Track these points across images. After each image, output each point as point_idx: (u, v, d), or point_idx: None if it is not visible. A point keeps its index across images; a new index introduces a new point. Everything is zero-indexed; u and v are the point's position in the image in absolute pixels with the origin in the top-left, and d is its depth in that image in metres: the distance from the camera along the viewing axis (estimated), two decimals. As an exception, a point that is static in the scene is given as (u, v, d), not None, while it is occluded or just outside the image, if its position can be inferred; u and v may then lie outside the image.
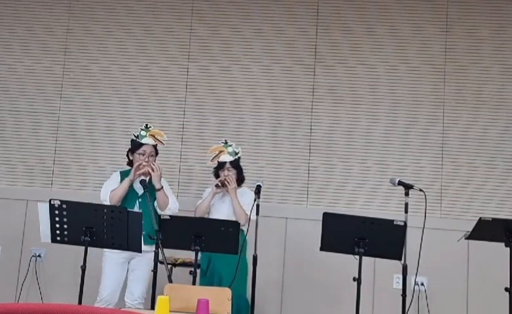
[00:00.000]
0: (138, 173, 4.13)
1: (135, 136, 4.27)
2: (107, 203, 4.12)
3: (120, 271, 4.13)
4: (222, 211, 4.34)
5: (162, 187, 4.17)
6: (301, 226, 5.08)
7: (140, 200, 4.17)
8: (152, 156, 4.23)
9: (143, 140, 4.22)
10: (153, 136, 4.27)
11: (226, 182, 4.33)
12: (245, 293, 4.25)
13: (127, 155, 4.34)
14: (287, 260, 5.11)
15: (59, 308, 1.85)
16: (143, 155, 4.20)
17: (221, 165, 4.41)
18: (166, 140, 4.43)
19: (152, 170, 4.13)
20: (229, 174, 4.36)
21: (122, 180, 4.22)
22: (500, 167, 5.13)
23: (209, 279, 4.21)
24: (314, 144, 5.26)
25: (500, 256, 4.03)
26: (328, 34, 5.35)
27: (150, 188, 4.07)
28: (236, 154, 4.46)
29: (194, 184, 5.25)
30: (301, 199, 5.20)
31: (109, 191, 4.17)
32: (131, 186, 4.19)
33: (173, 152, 5.27)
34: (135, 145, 4.24)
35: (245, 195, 4.41)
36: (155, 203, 4.16)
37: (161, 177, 4.19)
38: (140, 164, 4.14)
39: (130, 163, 4.29)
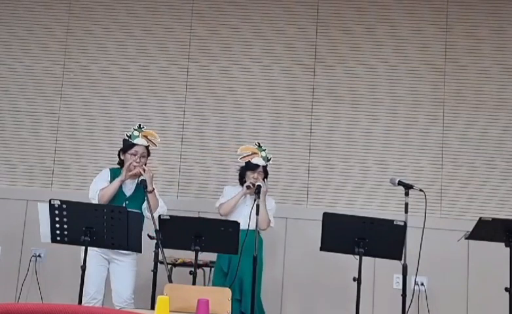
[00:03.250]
0: (130, 174, 4.10)
1: (127, 136, 4.22)
2: (95, 202, 4.06)
3: (102, 268, 4.09)
4: (242, 212, 4.30)
5: (154, 189, 4.14)
6: (301, 226, 5.08)
7: (127, 202, 4.11)
8: (144, 156, 4.17)
9: (135, 141, 4.16)
10: (146, 137, 4.22)
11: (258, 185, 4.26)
12: (260, 293, 4.27)
13: (118, 155, 4.29)
14: (287, 260, 5.11)
15: (59, 308, 1.86)
16: (135, 155, 4.14)
17: (252, 167, 4.38)
18: (160, 143, 4.38)
19: (144, 171, 4.10)
20: (259, 179, 4.34)
21: (112, 177, 4.17)
22: (500, 167, 5.13)
23: (230, 281, 4.13)
24: (314, 144, 5.26)
25: (500, 256, 4.03)
26: (328, 34, 5.35)
27: (142, 189, 4.03)
28: (268, 160, 4.45)
29: (194, 184, 5.25)
30: (301, 199, 5.21)
31: (97, 190, 4.10)
32: (120, 187, 4.17)
33: (173, 152, 5.27)
34: (127, 145, 4.19)
35: (270, 201, 4.44)
36: (143, 206, 4.09)
37: (153, 179, 4.16)
38: (131, 164, 4.11)
39: (121, 163, 4.24)
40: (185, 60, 5.40)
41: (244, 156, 4.42)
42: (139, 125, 4.27)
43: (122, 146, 4.29)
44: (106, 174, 4.23)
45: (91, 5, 5.50)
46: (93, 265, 4.06)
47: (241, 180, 4.46)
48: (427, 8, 5.32)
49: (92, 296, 4.04)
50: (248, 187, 4.31)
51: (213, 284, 4.31)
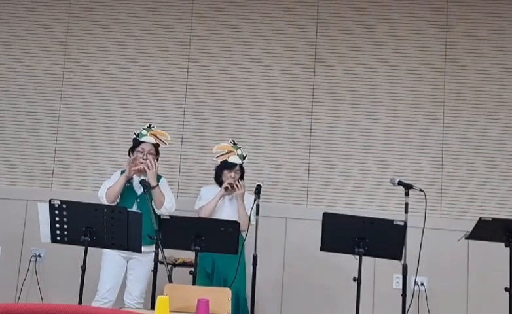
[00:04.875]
0: (133, 169, 4.13)
1: (135, 134, 4.29)
2: (104, 200, 4.13)
3: (119, 269, 4.14)
4: (223, 213, 4.34)
5: (157, 185, 4.15)
6: (301, 226, 5.08)
7: (138, 200, 4.17)
8: (151, 154, 4.22)
9: (142, 139, 4.24)
10: (155, 135, 4.27)
11: (236, 187, 4.31)
12: (244, 292, 4.26)
13: (128, 154, 4.35)
14: (287, 260, 5.11)
15: (59, 308, 1.86)
16: (141, 153, 4.20)
17: (229, 166, 4.38)
18: (169, 141, 4.43)
19: (148, 168, 4.12)
20: (236, 178, 4.35)
21: None
22: (500, 167, 5.13)
23: (215, 283, 4.16)
24: (314, 144, 5.26)
25: (500, 256, 4.03)
26: (328, 34, 5.35)
27: (149, 187, 4.06)
28: (244, 157, 4.45)
29: (194, 184, 5.25)
30: (301, 199, 5.21)
31: (105, 189, 4.17)
32: (130, 186, 4.20)
33: (173, 152, 5.27)
34: (135, 143, 4.28)
35: (247, 199, 4.41)
36: (153, 203, 4.15)
37: (156, 175, 4.18)
38: (136, 159, 4.15)
39: None
40: (185, 60, 5.40)
41: (220, 155, 4.42)
42: (149, 125, 4.32)
43: (125, 146, 4.50)
44: (117, 176, 4.28)
45: (91, 5, 5.50)
46: (109, 265, 4.10)
47: (218, 180, 4.46)
48: (427, 8, 5.32)
49: (103, 295, 4.07)
50: (226, 189, 4.33)
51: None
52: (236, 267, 3.97)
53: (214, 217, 4.31)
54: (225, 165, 4.40)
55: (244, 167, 4.51)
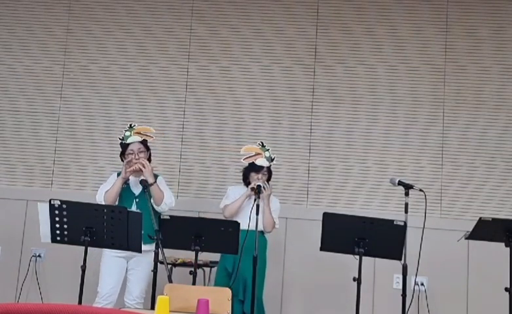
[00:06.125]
0: (129, 170, 4.12)
1: (120, 139, 4.25)
2: (103, 203, 4.10)
3: (119, 269, 4.13)
4: (248, 213, 4.22)
5: (155, 182, 4.13)
6: (301, 226, 5.08)
7: (137, 200, 4.15)
8: (141, 152, 4.18)
9: (128, 140, 4.20)
10: (139, 133, 4.24)
11: (263, 188, 4.23)
12: (261, 293, 4.27)
13: (121, 159, 4.31)
14: (287, 260, 5.11)
15: (59, 308, 1.86)
16: (132, 154, 4.17)
17: (256, 169, 4.33)
18: (157, 135, 4.39)
19: (143, 166, 4.10)
20: (263, 179, 4.30)
21: None
22: (500, 167, 5.13)
23: (235, 282, 4.13)
24: (314, 144, 5.26)
25: (500, 256, 4.03)
26: (328, 34, 5.35)
27: (147, 185, 4.04)
28: (272, 160, 4.40)
29: (194, 184, 5.25)
30: (301, 199, 5.21)
31: (103, 193, 4.15)
32: (127, 187, 4.18)
33: (173, 152, 5.27)
34: (123, 147, 4.23)
35: (274, 202, 4.41)
36: (152, 201, 4.14)
37: (152, 172, 4.16)
38: (130, 161, 4.13)
39: None
40: (185, 60, 5.40)
41: (247, 157, 4.39)
42: (130, 124, 4.27)
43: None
44: (113, 178, 4.26)
45: (91, 5, 5.50)
46: (109, 266, 4.10)
47: (245, 181, 4.42)
48: (427, 8, 5.32)
49: (104, 296, 4.06)
50: (253, 189, 4.24)
51: (216, 284, 4.27)
52: (258, 268, 3.96)
53: (239, 216, 4.24)
54: (252, 167, 4.35)
55: (272, 169, 4.47)
